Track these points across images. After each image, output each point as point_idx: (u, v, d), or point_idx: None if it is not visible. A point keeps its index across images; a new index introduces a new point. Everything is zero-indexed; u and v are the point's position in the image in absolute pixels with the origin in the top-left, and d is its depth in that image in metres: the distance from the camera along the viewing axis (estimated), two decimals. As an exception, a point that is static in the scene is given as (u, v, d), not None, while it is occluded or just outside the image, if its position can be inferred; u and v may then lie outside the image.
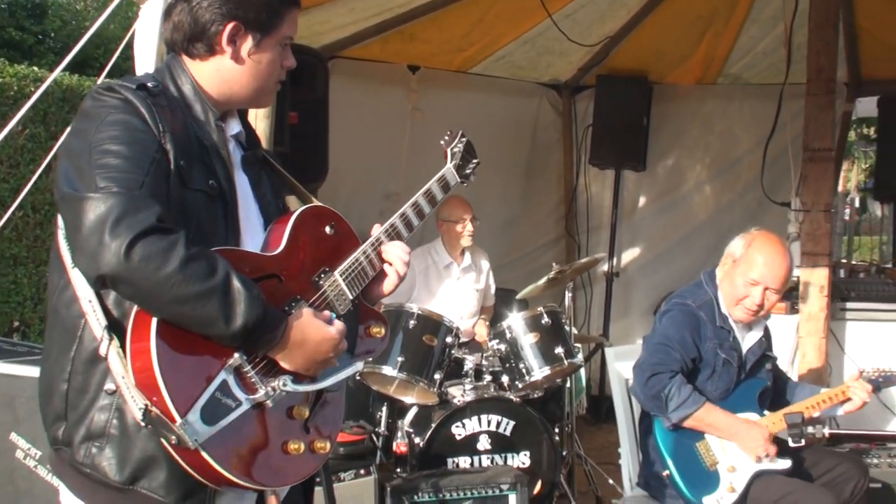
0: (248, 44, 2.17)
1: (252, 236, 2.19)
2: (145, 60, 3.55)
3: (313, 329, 2.06)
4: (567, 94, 7.85)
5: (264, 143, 3.54)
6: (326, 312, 2.14)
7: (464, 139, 2.76)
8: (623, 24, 6.86)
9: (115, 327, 1.95)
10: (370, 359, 4.01)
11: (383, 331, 2.42)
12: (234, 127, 2.28)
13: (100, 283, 1.88)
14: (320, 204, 2.36)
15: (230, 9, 2.13)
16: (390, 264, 2.39)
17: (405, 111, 6.89)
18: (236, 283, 1.90)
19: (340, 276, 2.25)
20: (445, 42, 6.65)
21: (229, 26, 2.14)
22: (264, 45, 2.19)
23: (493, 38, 6.71)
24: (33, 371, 3.74)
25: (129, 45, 3.79)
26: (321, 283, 2.21)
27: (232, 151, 2.22)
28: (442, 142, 2.74)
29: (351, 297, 2.27)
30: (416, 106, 6.89)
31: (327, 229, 2.29)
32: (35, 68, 8.47)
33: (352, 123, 6.22)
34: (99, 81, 4.14)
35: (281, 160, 2.49)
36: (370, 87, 6.65)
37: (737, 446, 3.76)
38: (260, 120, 3.64)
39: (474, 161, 2.78)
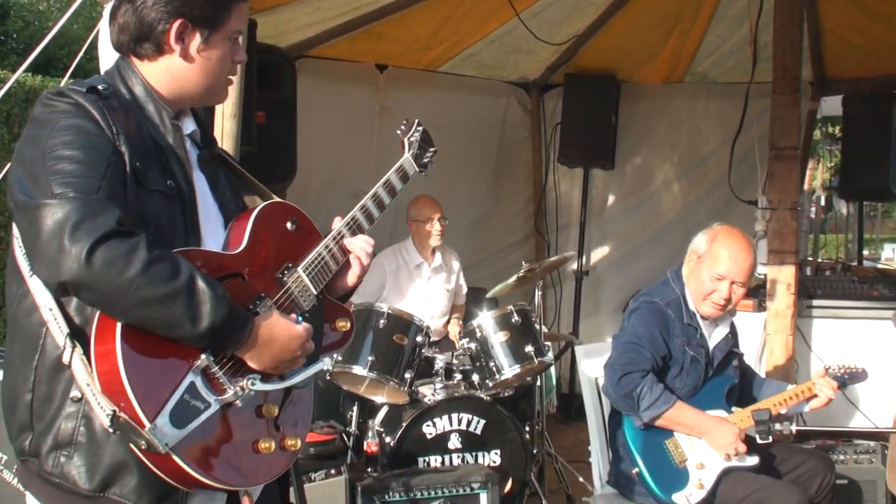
0: (196, 41, 2.14)
1: (213, 236, 2.18)
2: (110, 60, 3.52)
3: (280, 327, 2.05)
4: (535, 93, 7.86)
5: (231, 144, 3.53)
6: (293, 315, 2.13)
7: (420, 128, 2.75)
8: (590, 22, 6.87)
9: (78, 334, 1.92)
10: (337, 355, 4.00)
11: (348, 325, 2.42)
12: (189, 126, 2.25)
13: (61, 290, 1.86)
14: (280, 200, 2.34)
15: (175, 6, 2.10)
16: (354, 256, 2.38)
17: (373, 110, 6.87)
18: (201, 284, 1.88)
19: (303, 271, 2.24)
20: (413, 41, 6.64)
21: (176, 24, 2.11)
22: (213, 41, 2.16)
23: (460, 36, 6.71)
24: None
25: (94, 45, 3.75)
26: (285, 279, 2.20)
27: (189, 150, 2.20)
28: (398, 131, 2.73)
29: (315, 292, 2.26)
30: (385, 105, 6.88)
31: (289, 225, 2.27)
32: (-2, 68, 8.39)
33: (320, 123, 6.20)
34: (64, 82, 4.09)
35: (249, 160, 2.48)
36: (338, 87, 6.63)
37: (707, 444, 3.78)
38: (227, 120, 3.60)
39: (431, 150, 2.77)
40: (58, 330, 1.93)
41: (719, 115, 7.32)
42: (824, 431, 4.56)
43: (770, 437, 3.71)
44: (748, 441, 3.80)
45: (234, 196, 2.33)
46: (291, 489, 3.81)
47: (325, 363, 2.23)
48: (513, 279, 5.42)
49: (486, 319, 4.94)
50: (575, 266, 7.59)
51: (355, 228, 2.42)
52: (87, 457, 1.94)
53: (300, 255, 2.26)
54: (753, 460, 3.78)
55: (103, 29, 3.57)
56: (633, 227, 7.80)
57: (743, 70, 6.53)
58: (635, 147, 7.72)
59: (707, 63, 7.27)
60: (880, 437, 4.60)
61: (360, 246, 2.39)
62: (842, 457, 4.39)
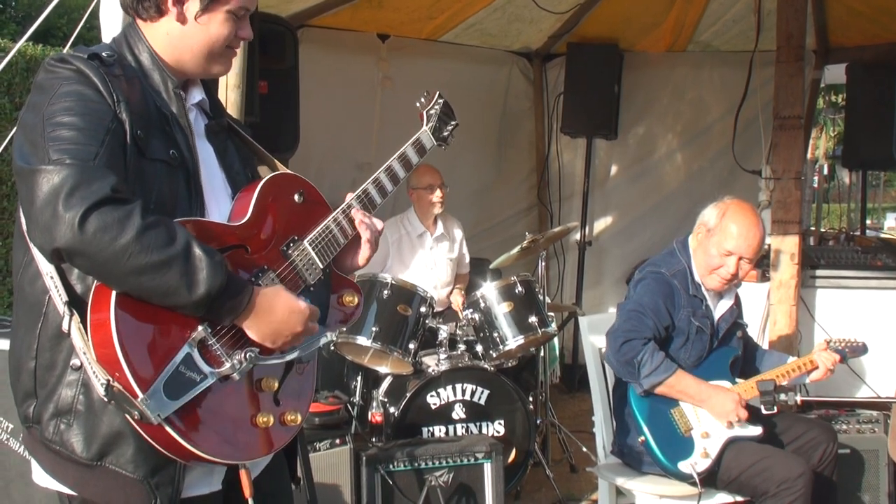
0: (193, 6, 2.11)
1: (218, 207, 2.15)
2: (111, 29, 3.49)
3: (282, 300, 2.03)
4: (538, 63, 7.83)
5: (235, 114, 3.50)
6: (300, 298, 2.10)
7: (441, 100, 2.70)
8: (593, -9, 6.83)
9: (79, 302, 1.91)
10: (343, 328, 3.98)
11: (356, 299, 2.37)
12: (196, 95, 2.22)
13: (56, 257, 1.85)
14: (288, 171, 2.31)
15: None
16: (366, 240, 2.34)
17: (375, 80, 6.84)
18: (197, 250, 1.87)
19: (310, 244, 2.21)
20: (415, 10, 6.59)
21: None
22: (212, 10, 2.12)
23: (462, 5, 6.66)
24: (2, 343, 3.70)
25: (94, 15, 3.72)
26: (290, 252, 2.17)
27: (193, 121, 2.17)
28: (418, 104, 2.68)
29: (321, 266, 2.23)
30: (387, 74, 6.85)
31: (296, 197, 2.24)
32: (-2, 38, 8.34)
33: (322, 92, 6.17)
34: (65, 51, 4.07)
35: (252, 130, 2.44)
36: (340, 56, 6.60)
37: (708, 412, 3.80)
38: (230, 90, 3.59)
39: (452, 123, 2.72)
40: (58, 298, 1.92)
41: (723, 85, 7.29)
42: (828, 401, 4.56)
43: (775, 408, 3.73)
44: (752, 411, 3.81)
45: (243, 167, 2.30)
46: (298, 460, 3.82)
47: (329, 336, 2.21)
48: (516, 250, 5.42)
49: (489, 290, 4.94)
50: (578, 236, 7.58)
51: (366, 202, 2.38)
52: (85, 425, 1.94)
53: (307, 228, 2.23)
54: (757, 430, 3.79)
55: (105, -2, 3.55)
56: (636, 197, 7.79)
57: (746, 39, 6.48)
58: (638, 117, 7.70)
59: (710, 32, 7.22)
60: (883, 406, 4.60)
61: (370, 229, 2.34)
62: (844, 426, 4.39)
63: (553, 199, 7.91)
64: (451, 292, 5.77)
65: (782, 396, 3.63)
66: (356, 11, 6.36)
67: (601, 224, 7.91)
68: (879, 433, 4.40)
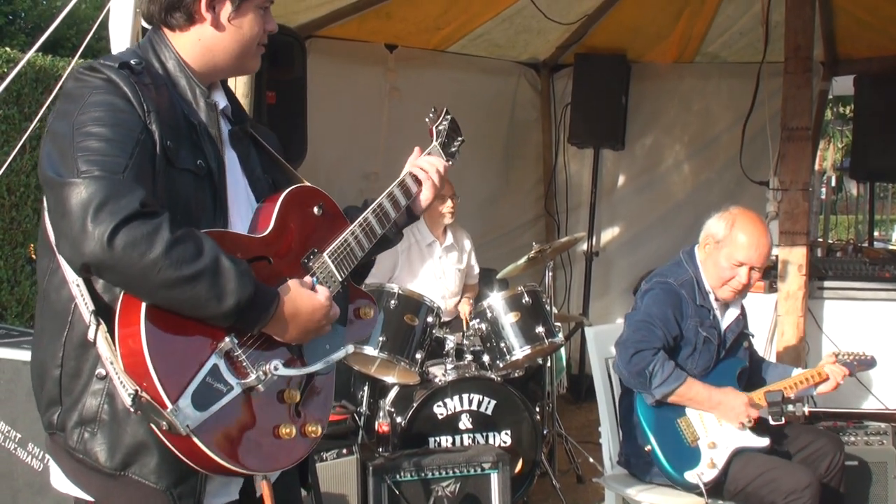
0: (227, 9, 2.13)
1: (241, 216, 2.17)
2: (121, 40, 3.52)
3: (304, 300, 2.04)
4: (545, 73, 7.84)
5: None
6: (308, 278, 2.11)
7: (448, 116, 2.74)
8: (601, 2, 6.85)
9: (105, 311, 1.91)
10: (361, 339, 4.00)
11: (372, 312, 2.40)
12: (221, 102, 2.24)
13: (85, 271, 1.85)
14: (308, 184, 2.32)
15: None
16: (427, 177, 2.49)
17: (383, 90, 6.85)
18: (225, 262, 1.87)
19: (329, 256, 2.23)
20: (422, 21, 6.61)
21: None
22: (243, 10, 2.15)
23: (470, 16, 6.69)
24: (10, 353, 3.71)
25: (103, 26, 3.74)
26: (310, 264, 2.18)
27: (221, 128, 2.19)
28: (427, 119, 2.71)
29: (340, 278, 2.24)
30: (394, 85, 6.86)
31: (315, 210, 2.26)
32: (7, 49, 8.37)
33: (330, 103, 6.18)
34: (73, 62, 4.09)
35: (269, 129, 2.47)
36: (348, 67, 6.61)
37: (718, 417, 3.79)
38: (239, 99, 3.60)
39: (459, 139, 2.76)
40: (84, 306, 1.92)
41: (730, 96, 7.29)
42: (835, 413, 4.56)
43: (783, 419, 3.73)
44: (760, 422, 3.80)
45: (263, 174, 2.32)
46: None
47: (348, 349, 2.22)
48: (523, 260, 5.42)
49: (496, 300, 4.94)
50: (585, 247, 7.58)
51: (381, 216, 2.40)
52: (109, 435, 1.95)
53: (326, 241, 2.24)
54: (764, 441, 3.78)
55: (114, 8, 3.58)
56: (644, 208, 7.79)
57: (754, 50, 6.49)
58: (646, 128, 7.70)
59: (718, 43, 7.23)
60: (891, 418, 4.60)
61: (431, 163, 2.49)
62: (852, 438, 4.38)
63: (560, 209, 7.91)
64: (458, 302, 5.77)
65: (790, 407, 3.62)
66: (364, 22, 6.38)
67: (608, 234, 7.91)
68: (888, 445, 4.39)
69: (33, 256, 7.38)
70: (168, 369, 1.83)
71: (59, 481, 2.07)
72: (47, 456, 3.43)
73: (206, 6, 2.11)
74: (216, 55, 2.17)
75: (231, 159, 2.21)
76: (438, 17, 6.59)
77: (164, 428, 1.82)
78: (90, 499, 2.02)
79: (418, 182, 2.52)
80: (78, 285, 1.93)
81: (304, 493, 2.46)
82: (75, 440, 1.96)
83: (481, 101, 7.41)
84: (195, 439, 1.84)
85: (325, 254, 2.22)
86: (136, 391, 1.82)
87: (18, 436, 3.64)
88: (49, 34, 4.06)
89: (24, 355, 3.66)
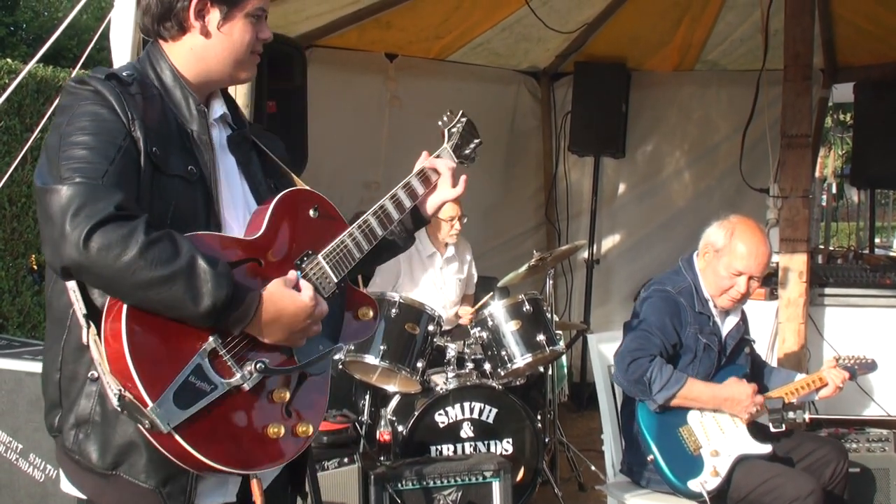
0: (215, 17, 2.16)
1: (237, 219, 2.19)
2: (122, 50, 3.52)
3: (286, 301, 2.04)
4: (545, 82, 7.85)
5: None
6: (292, 274, 2.10)
7: (463, 119, 2.73)
8: (600, 10, 6.86)
9: (96, 315, 1.95)
10: (360, 340, 4.01)
11: (371, 313, 2.38)
12: (219, 109, 2.27)
13: (65, 274, 1.89)
14: (304, 187, 2.34)
15: None
16: (438, 174, 2.54)
17: (383, 99, 6.87)
18: (202, 264, 1.90)
19: (324, 258, 2.23)
20: (422, 30, 6.63)
21: (195, 1, 2.14)
22: (233, 17, 2.18)
23: (470, 25, 6.70)
24: (12, 364, 3.71)
25: (104, 36, 3.76)
26: (303, 266, 2.18)
27: (216, 135, 2.22)
28: (440, 122, 2.70)
29: (335, 280, 2.24)
30: (394, 94, 6.88)
31: (311, 212, 2.26)
32: (9, 60, 8.38)
33: (330, 112, 6.20)
34: (74, 73, 4.11)
35: (270, 131, 2.49)
36: (348, 76, 6.63)
37: (720, 423, 3.79)
38: (239, 109, 3.61)
39: (476, 141, 2.76)
40: (79, 311, 1.96)
41: (730, 103, 7.30)
42: (837, 419, 4.55)
43: (783, 426, 3.72)
44: (762, 429, 3.80)
45: (265, 178, 2.34)
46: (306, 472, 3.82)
47: (339, 348, 2.23)
48: (524, 268, 5.42)
49: (497, 308, 4.94)
50: (586, 255, 7.58)
51: (383, 218, 2.40)
52: (100, 435, 1.99)
53: (322, 243, 2.25)
54: (767, 448, 3.78)
55: (115, 19, 3.59)
56: (644, 215, 7.79)
57: (754, 58, 6.50)
58: (646, 135, 7.71)
59: (718, 51, 7.24)
60: (893, 425, 4.59)
61: (447, 168, 2.53)
62: (854, 445, 4.37)
63: (561, 217, 7.91)
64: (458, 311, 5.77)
65: (790, 414, 3.62)
66: (364, 31, 6.40)
67: (609, 242, 7.91)
68: (890, 452, 4.39)
69: (34, 267, 7.39)
70: (149, 369, 1.87)
71: (66, 484, 2.12)
72: (48, 466, 3.45)
73: (196, 15, 2.15)
74: (209, 63, 2.20)
75: (228, 164, 2.24)
76: (438, 26, 6.60)
77: (147, 426, 1.86)
78: (91, 501, 2.07)
79: (426, 184, 2.52)
80: (74, 291, 1.97)
81: (300, 501, 2.46)
82: (71, 441, 2.01)
83: (481, 110, 7.38)
84: (177, 437, 1.87)
85: (319, 255, 2.22)
86: (121, 391, 1.85)
87: (20, 446, 3.64)
88: (50, 45, 4.08)
89: (26, 366, 3.67)
